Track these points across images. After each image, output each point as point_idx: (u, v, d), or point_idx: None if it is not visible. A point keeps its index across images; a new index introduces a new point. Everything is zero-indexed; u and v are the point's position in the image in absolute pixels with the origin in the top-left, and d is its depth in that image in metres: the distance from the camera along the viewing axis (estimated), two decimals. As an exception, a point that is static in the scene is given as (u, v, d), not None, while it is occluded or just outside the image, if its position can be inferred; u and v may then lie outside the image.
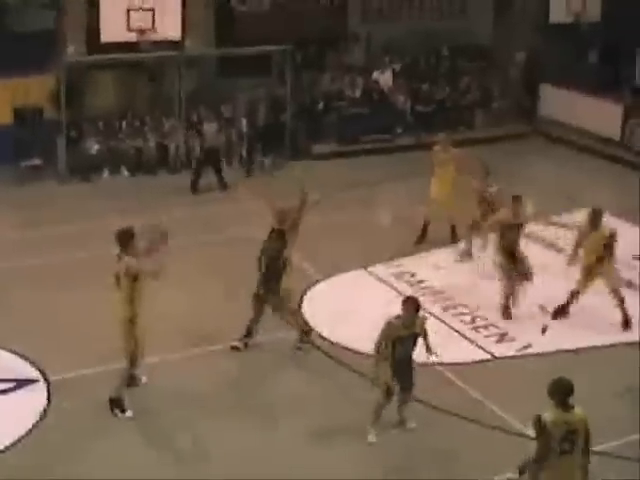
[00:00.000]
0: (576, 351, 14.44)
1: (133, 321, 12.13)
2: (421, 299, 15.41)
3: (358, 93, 25.99)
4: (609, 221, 15.67)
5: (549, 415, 9.18)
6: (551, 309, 15.10)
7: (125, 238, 12.08)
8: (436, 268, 17.40)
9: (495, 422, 12.49)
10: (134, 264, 11.93)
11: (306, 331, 14.40)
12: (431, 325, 14.79)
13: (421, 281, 16.73)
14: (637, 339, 14.78)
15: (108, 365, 12.80)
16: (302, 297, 15.89)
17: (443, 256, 17.73)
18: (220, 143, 22.59)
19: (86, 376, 13.18)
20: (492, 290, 15.93)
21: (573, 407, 9.29)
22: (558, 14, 27.81)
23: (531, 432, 9.46)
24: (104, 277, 12.63)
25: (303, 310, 15.37)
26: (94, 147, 22.50)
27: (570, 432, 9.23)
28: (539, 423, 9.16)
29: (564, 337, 14.62)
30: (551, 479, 9.33)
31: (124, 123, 23.18)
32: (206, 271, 16.83)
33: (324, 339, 14.55)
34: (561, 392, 9.25)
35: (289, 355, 14.12)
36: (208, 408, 12.63)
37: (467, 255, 17.67)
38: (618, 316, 15.21)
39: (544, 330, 13.68)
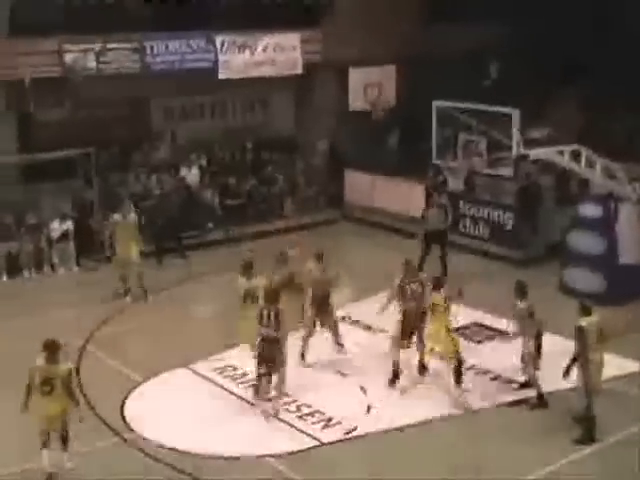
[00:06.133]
0: (401, 429, 14.60)
1: None
2: (245, 394, 15.56)
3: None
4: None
5: None
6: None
7: None
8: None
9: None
10: None
11: None
12: (257, 418, 14.94)
13: (244, 374, 16.49)
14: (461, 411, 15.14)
15: None
16: (124, 401, 15.58)
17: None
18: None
19: None
20: (313, 376, 16.06)
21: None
22: (356, 102, 28.68)
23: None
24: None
25: (126, 413, 15.12)
26: None
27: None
28: None
29: (388, 417, 14.82)
30: None
31: None
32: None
33: (147, 440, 14.23)
34: None
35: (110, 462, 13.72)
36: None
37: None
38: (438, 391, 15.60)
39: None
